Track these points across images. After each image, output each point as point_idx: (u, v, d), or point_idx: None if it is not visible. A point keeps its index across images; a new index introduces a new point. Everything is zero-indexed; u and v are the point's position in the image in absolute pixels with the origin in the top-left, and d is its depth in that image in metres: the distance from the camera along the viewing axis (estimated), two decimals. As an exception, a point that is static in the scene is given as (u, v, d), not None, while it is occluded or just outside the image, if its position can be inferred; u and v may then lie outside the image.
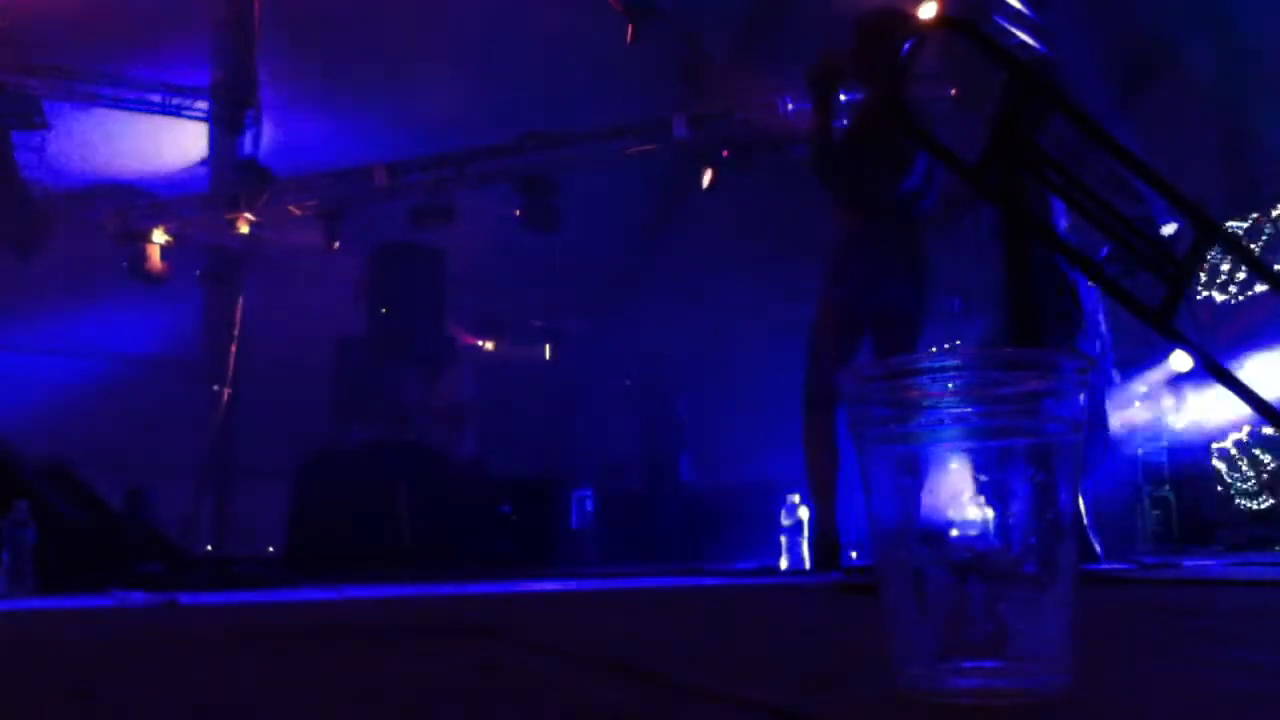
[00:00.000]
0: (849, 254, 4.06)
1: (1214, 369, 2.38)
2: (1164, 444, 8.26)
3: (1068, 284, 4.09)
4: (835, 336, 4.05)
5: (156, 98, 10.46)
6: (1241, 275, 8.20)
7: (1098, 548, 4.04)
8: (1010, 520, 0.79)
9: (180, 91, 10.56)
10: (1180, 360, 7.66)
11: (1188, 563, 4.47)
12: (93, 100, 10.15)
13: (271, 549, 8.65)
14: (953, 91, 7.84)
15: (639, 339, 11.03)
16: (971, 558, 0.79)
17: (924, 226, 4.14)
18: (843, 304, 4.04)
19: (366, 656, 1.43)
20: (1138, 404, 8.17)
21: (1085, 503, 4.02)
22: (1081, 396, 0.81)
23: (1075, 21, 8.02)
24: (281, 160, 10.56)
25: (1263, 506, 7.95)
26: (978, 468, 0.80)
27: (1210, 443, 8.23)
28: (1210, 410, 8.02)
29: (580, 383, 11.48)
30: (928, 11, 6.88)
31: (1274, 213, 8.17)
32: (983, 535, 0.80)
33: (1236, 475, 8.10)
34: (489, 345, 12.05)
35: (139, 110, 10.42)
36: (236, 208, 10.65)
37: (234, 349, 11.40)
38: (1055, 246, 3.39)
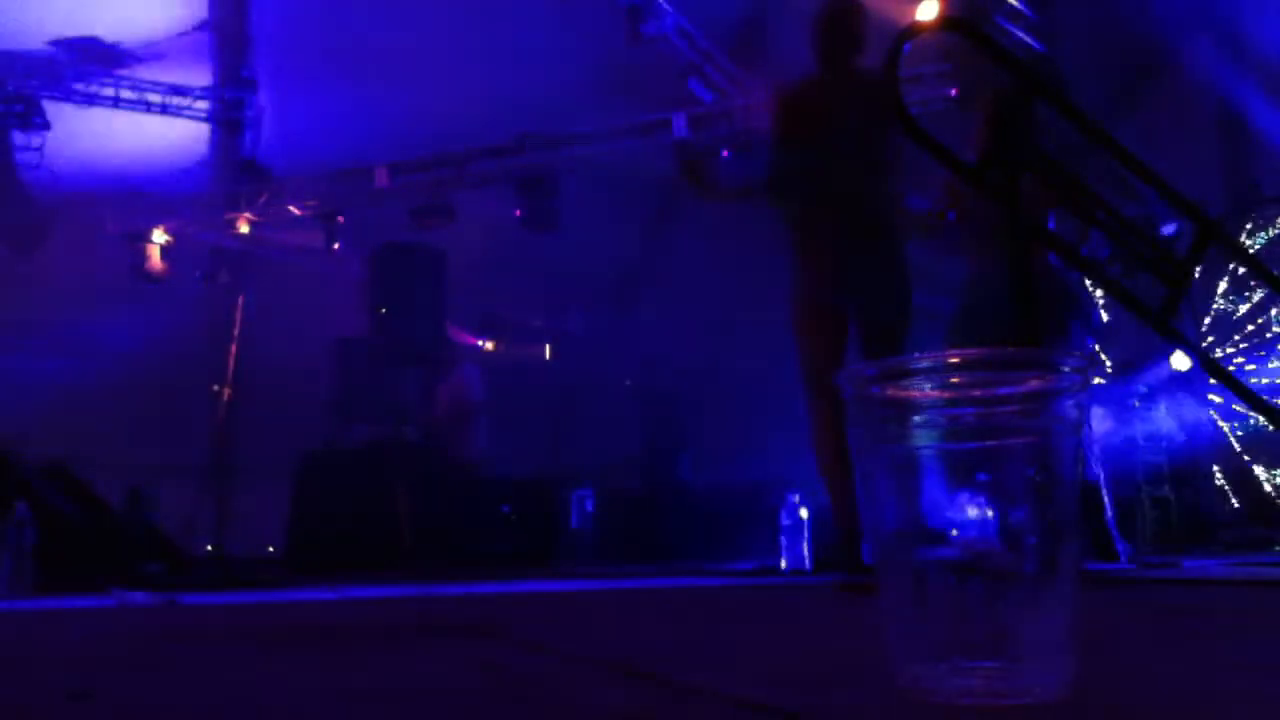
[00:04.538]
0: (810, 243, 3.84)
1: (1214, 369, 2.39)
2: (1163, 444, 8.27)
3: (1067, 287, 4.07)
4: (814, 331, 3.83)
5: (156, 98, 10.46)
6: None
7: (1120, 549, 4.04)
8: (1010, 520, 0.79)
9: (180, 91, 10.56)
10: (1180, 360, 7.67)
11: (1188, 563, 4.47)
12: (93, 100, 10.15)
13: (271, 549, 8.65)
14: (953, 91, 7.84)
15: (639, 339, 11.03)
16: (971, 558, 0.79)
17: (898, 210, 3.95)
18: (813, 296, 3.75)
19: (366, 656, 1.43)
20: (1137, 403, 8.18)
21: (1108, 503, 4.01)
22: (1082, 396, 0.81)
23: (1075, 21, 8.02)
24: (281, 160, 10.56)
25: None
26: (977, 468, 0.80)
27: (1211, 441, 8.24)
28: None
29: (580, 383, 11.47)
30: (928, 11, 6.88)
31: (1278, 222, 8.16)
32: (983, 535, 0.80)
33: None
34: (489, 345, 12.04)
35: (139, 110, 10.42)
36: (236, 208, 10.64)
37: (234, 349, 11.39)
38: (1055, 248, 3.39)
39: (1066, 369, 0.80)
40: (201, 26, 10.53)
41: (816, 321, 3.77)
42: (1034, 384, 0.80)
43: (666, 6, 8.54)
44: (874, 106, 3.63)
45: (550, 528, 8.38)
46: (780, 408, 4.60)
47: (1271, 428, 2.33)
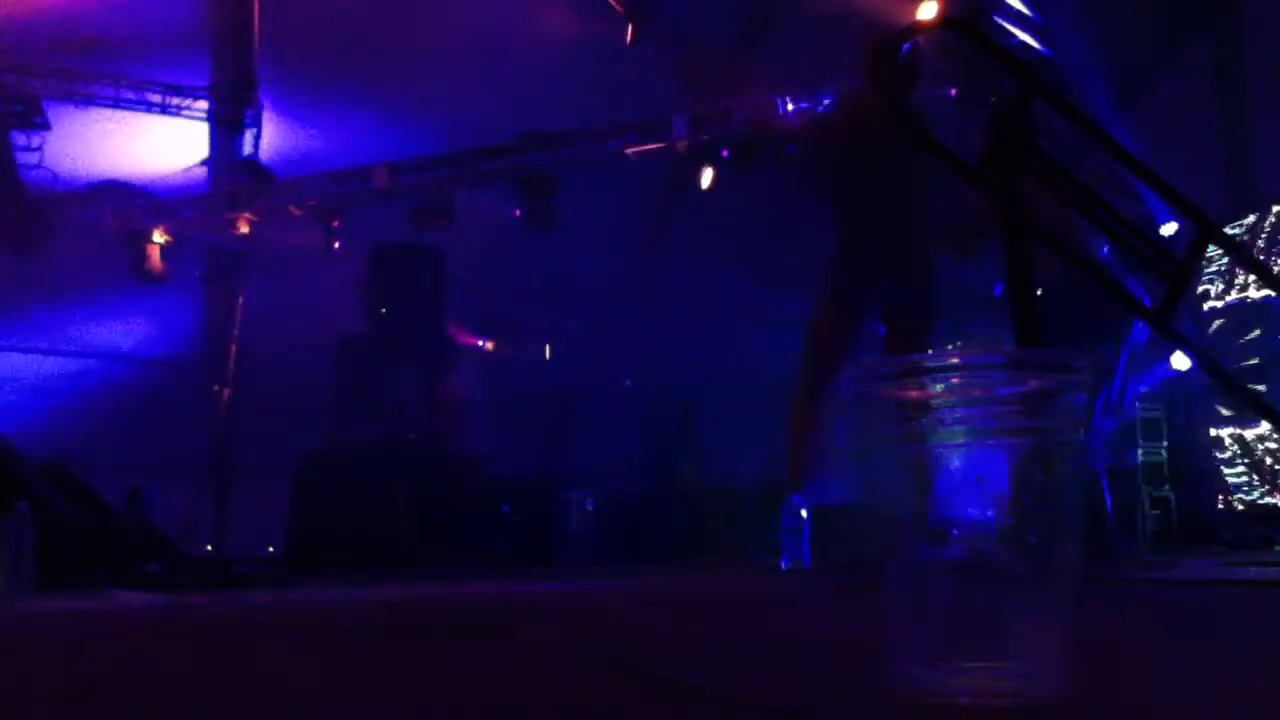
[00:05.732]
0: (851, 257, 4.08)
1: (1213, 369, 2.39)
2: (1164, 444, 8.26)
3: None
4: (834, 336, 4.07)
5: (156, 98, 10.45)
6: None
7: (1120, 547, 4.04)
8: (1010, 520, 0.79)
9: (180, 91, 10.56)
10: (1180, 360, 7.66)
11: (1188, 563, 4.47)
12: (92, 100, 10.15)
13: (271, 549, 8.65)
14: (953, 91, 7.83)
15: (639, 339, 11.02)
16: (971, 558, 0.79)
17: (930, 227, 4.14)
18: (842, 307, 4.07)
19: (367, 656, 1.43)
20: (1137, 404, 8.17)
21: (1108, 502, 4.03)
22: (1082, 396, 0.81)
23: (1075, 21, 8.02)
24: (281, 160, 10.56)
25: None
26: (978, 468, 0.80)
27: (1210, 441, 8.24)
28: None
29: (580, 383, 11.46)
30: (928, 11, 6.88)
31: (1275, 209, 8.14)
32: (983, 535, 0.80)
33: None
34: (489, 345, 12.03)
35: (139, 110, 10.41)
36: (236, 208, 10.64)
37: (234, 349, 11.39)
38: (1055, 247, 3.38)
39: (1068, 369, 0.80)
40: (201, 26, 10.53)
41: (840, 330, 4.01)
42: (1036, 384, 0.80)
43: (666, 6, 8.54)
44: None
45: (550, 528, 8.38)
46: (780, 408, 4.60)
47: (1270, 426, 2.33)
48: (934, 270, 4.15)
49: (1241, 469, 8.15)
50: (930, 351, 3.73)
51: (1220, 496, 8.26)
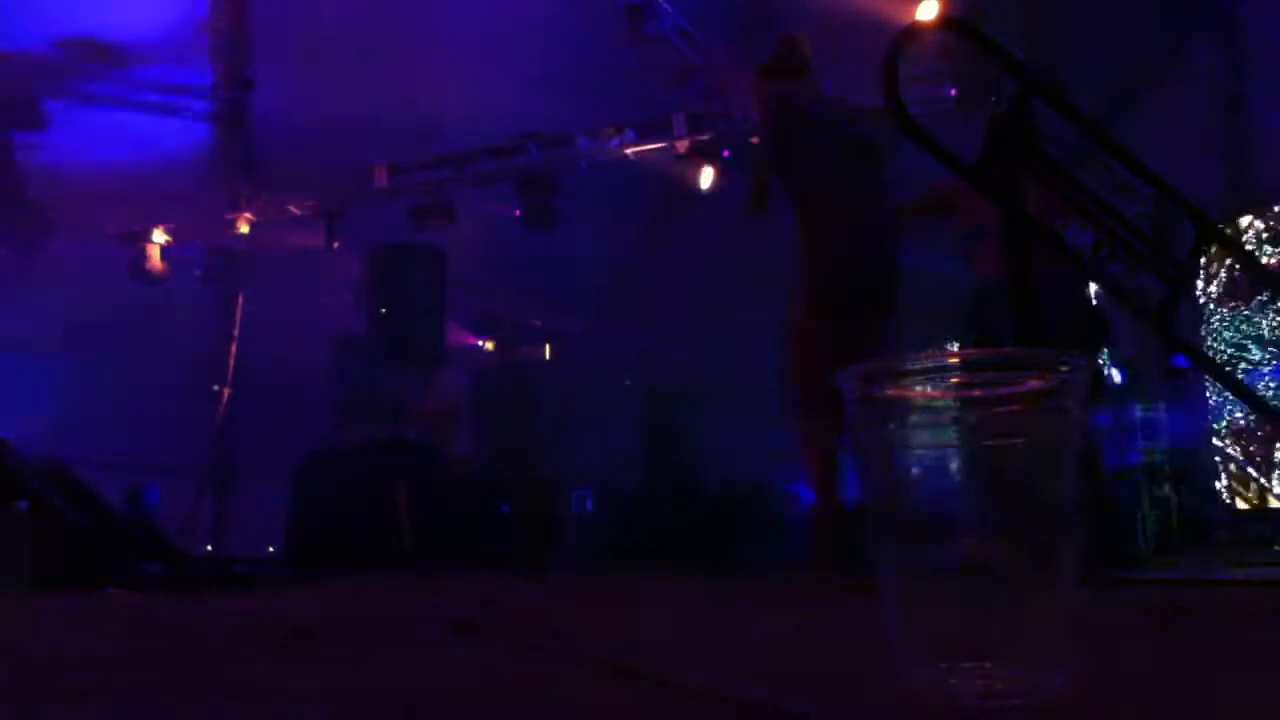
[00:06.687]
0: (821, 247, 3.99)
1: (1213, 369, 2.38)
2: (1164, 444, 8.25)
3: (1084, 294, 4.05)
4: (820, 336, 3.94)
5: (156, 98, 10.46)
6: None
7: (1119, 548, 4.03)
8: (1010, 520, 0.79)
9: (180, 91, 10.56)
10: (1179, 360, 7.66)
11: (1188, 563, 4.47)
12: (92, 100, 10.15)
13: (271, 549, 8.65)
14: (953, 91, 7.83)
15: (639, 339, 11.02)
16: (971, 558, 0.79)
17: (889, 212, 4.08)
18: (822, 299, 3.93)
19: (367, 656, 1.43)
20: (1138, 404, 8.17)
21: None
22: (1081, 396, 0.81)
23: (1075, 22, 8.02)
24: (281, 160, 10.56)
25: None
26: (978, 468, 0.80)
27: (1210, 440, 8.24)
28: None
29: (580, 383, 11.46)
30: (928, 11, 6.88)
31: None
32: (982, 535, 0.80)
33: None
34: (488, 345, 12.04)
35: (139, 110, 10.42)
36: (236, 208, 10.64)
37: (234, 349, 11.39)
38: (1054, 248, 3.38)
39: (1066, 369, 0.80)
40: (201, 26, 10.53)
41: (822, 322, 3.87)
42: (1034, 384, 0.80)
43: (666, 6, 8.54)
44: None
45: (550, 528, 8.38)
46: (780, 407, 4.61)
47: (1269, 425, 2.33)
48: (897, 263, 4.03)
49: (1241, 469, 8.15)
50: (887, 349, 3.72)
51: (1220, 496, 8.27)
